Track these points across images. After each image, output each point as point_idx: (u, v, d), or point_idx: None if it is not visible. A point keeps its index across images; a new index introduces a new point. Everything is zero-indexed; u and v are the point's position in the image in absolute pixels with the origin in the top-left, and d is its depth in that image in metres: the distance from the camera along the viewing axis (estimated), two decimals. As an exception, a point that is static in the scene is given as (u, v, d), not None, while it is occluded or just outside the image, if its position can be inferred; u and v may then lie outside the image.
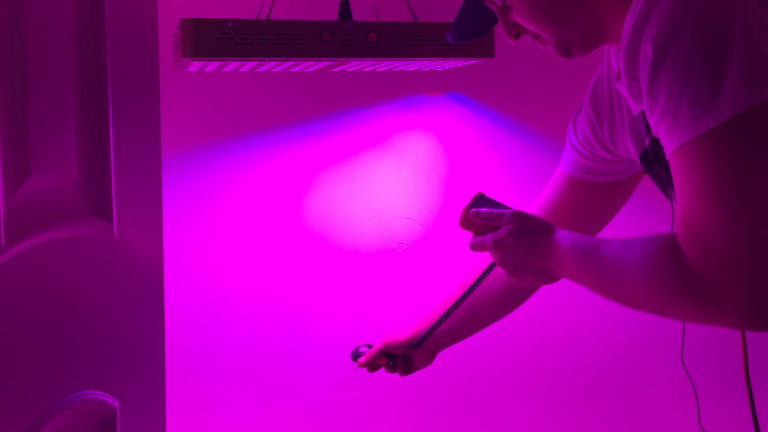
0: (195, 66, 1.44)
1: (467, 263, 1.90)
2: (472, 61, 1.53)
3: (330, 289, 1.83)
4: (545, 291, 1.96)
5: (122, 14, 0.92)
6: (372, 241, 1.85)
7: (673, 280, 0.74)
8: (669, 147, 0.74)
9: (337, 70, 1.62)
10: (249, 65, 1.48)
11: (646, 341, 2.01)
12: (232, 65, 1.45)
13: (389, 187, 1.85)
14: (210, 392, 1.79)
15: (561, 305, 1.97)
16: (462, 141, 1.87)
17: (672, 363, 2.01)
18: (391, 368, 1.33)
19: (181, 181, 1.73)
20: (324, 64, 1.47)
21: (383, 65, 1.55)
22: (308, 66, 1.52)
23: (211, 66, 1.46)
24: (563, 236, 0.91)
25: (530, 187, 1.91)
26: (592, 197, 1.15)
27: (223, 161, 1.75)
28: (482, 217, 1.00)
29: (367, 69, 1.61)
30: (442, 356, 1.93)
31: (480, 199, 1.05)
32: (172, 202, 1.71)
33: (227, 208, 1.76)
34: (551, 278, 0.94)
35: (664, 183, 0.94)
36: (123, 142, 0.94)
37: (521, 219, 0.96)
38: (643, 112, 0.88)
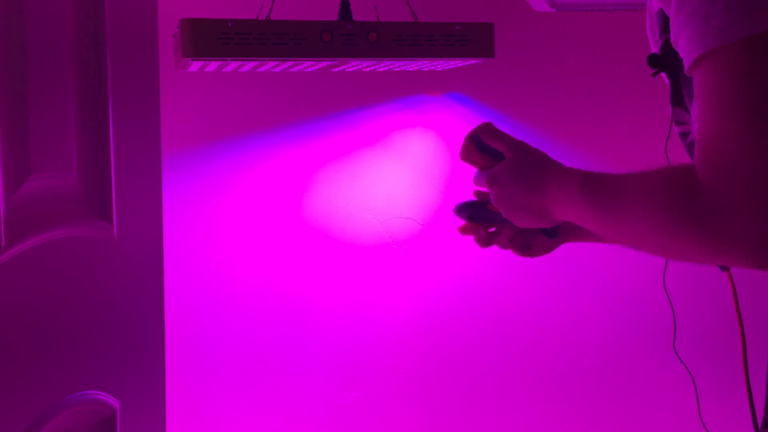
0: (195, 66, 1.44)
1: (467, 263, 1.91)
2: (472, 61, 1.53)
3: (330, 289, 1.83)
4: (544, 291, 1.97)
5: (122, 14, 0.92)
6: (372, 241, 1.85)
7: (683, 209, 0.67)
8: (693, 53, 0.67)
9: (337, 70, 1.62)
10: (249, 65, 1.47)
11: (645, 340, 2.01)
12: (232, 65, 1.45)
13: (389, 187, 1.85)
14: (210, 392, 1.79)
15: (560, 305, 1.97)
16: (462, 141, 1.87)
17: (672, 361, 2.01)
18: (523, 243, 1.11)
19: (181, 181, 1.73)
20: (324, 64, 1.47)
21: (383, 65, 1.54)
22: (308, 66, 1.52)
23: (211, 66, 1.45)
24: (562, 171, 0.85)
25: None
26: None
27: (223, 161, 1.75)
28: (479, 147, 0.95)
29: (367, 69, 1.61)
30: (442, 356, 1.94)
31: (486, 130, 0.96)
32: (172, 202, 1.71)
33: (227, 208, 1.76)
34: (548, 219, 0.87)
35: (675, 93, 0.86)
36: (123, 142, 0.94)
37: (520, 153, 0.90)
38: (661, 11, 0.80)
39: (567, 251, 1.94)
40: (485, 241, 1.10)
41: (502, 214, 0.91)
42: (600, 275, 1.97)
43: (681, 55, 0.70)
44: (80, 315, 0.92)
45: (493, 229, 1.08)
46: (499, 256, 1.91)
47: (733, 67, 0.63)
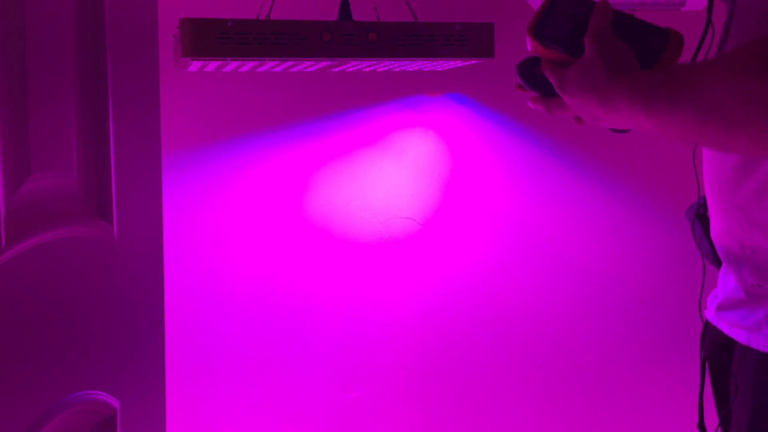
0: (195, 66, 1.44)
1: (468, 263, 1.91)
2: (472, 61, 1.53)
3: (330, 289, 1.83)
4: (544, 291, 1.97)
5: (122, 14, 0.92)
6: (372, 241, 1.85)
7: None
8: None
9: (336, 70, 1.62)
10: (249, 65, 1.47)
11: (646, 339, 2.01)
12: (231, 65, 1.45)
13: (389, 187, 1.85)
14: (210, 392, 1.79)
15: (560, 305, 1.97)
16: (462, 141, 1.87)
17: (672, 361, 2.01)
18: None
19: (181, 180, 1.73)
20: (324, 64, 1.47)
21: (383, 65, 1.54)
22: (308, 66, 1.52)
23: (211, 66, 1.45)
24: (630, 81, 0.77)
25: (530, 187, 1.91)
26: None
27: (223, 161, 1.75)
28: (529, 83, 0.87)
29: (367, 69, 1.61)
30: (442, 356, 1.94)
31: (531, 64, 0.87)
32: (172, 202, 1.71)
33: (227, 208, 1.76)
34: (633, 123, 0.79)
35: None
36: (123, 142, 0.94)
37: (582, 68, 0.81)
38: None
39: (567, 251, 1.94)
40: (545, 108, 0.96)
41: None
42: (599, 275, 1.97)
43: None
44: (80, 315, 0.92)
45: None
46: (499, 256, 1.91)
47: None
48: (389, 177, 1.85)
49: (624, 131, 0.89)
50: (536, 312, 1.95)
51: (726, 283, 0.95)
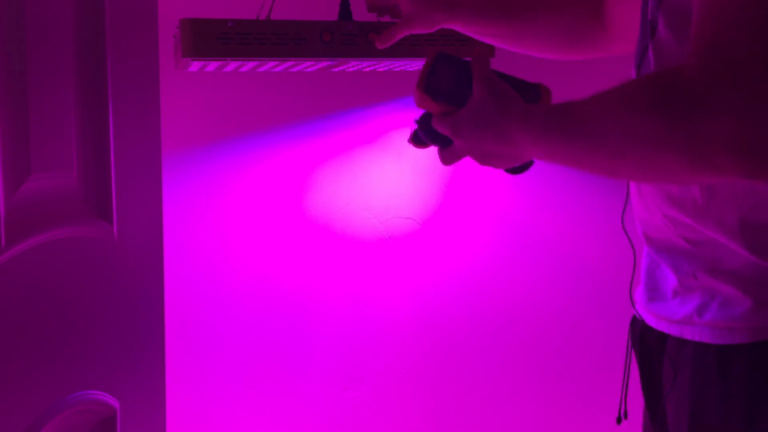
0: (195, 66, 1.44)
1: (468, 263, 1.91)
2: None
3: (330, 289, 1.83)
4: (544, 291, 1.97)
5: (122, 14, 0.92)
6: (372, 241, 1.85)
7: (668, 106, 0.61)
8: None
9: (337, 70, 1.62)
10: (249, 65, 1.48)
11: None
12: (232, 65, 1.45)
13: (389, 186, 1.85)
14: (210, 392, 1.79)
15: (560, 305, 1.97)
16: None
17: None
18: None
19: (181, 180, 1.73)
20: (324, 64, 1.47)
21: (383, 65, 1.55)
22: (308, 66, 1.52)
23: (211, 66, 1.46)
24: (523, 112, 0.81)
25: (531, 187, 1.91)
26: None
27: (223, 161, 1.75)
28: (430, 95, 0.89)
29: (368, 69, 1.61)
30: (442, 356, 1.94)
31: (440, 59, 0.90)
32: (172, 202, 1.71)
33: (227, 208, 1.76)
34: (524, 159, 0.85)
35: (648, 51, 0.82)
36: (123, 142, 0.94)
37: (474, 108, 0.85)
38: None
39: (567, 250, 1.94)
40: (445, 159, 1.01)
41: (477, 162, 0.87)
42: (600, 275, 1.97)
43: None
44: (80, 315, 0.92)
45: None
46: (499, 255, 1.91)
47: None
48: (389, 176, 1.85)
49: (517, 171, 0.94)
50: (536, 312, 1.95)
51: (653, 275, 0.95)
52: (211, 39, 1.29)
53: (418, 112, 2.06)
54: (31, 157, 0.82)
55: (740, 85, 0.56)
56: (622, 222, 1.01)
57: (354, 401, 1.87)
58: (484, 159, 0.87)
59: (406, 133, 1.86)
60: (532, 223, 1.92)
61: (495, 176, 1.90)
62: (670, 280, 0.92)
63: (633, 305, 1.02)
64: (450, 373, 1.92)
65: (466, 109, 0.86)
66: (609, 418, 2.09)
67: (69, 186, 0.90)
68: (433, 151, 1.92)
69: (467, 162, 2.02)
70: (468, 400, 1.94)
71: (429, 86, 0.90)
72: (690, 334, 0.86)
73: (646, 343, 0.99)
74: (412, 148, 1.99)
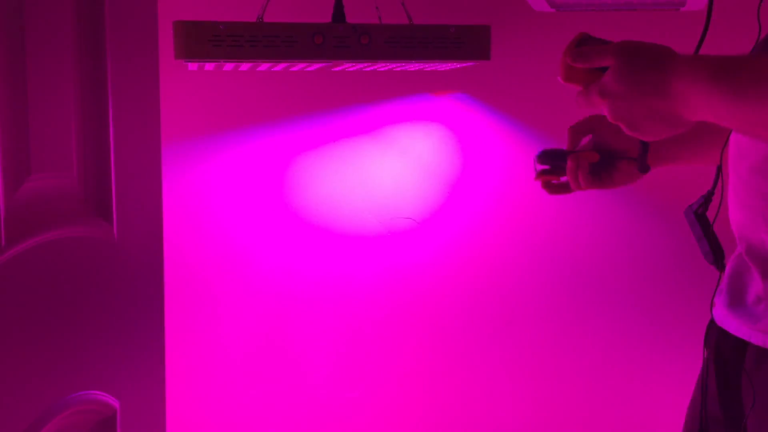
0: (194, 65, 1.44)
1: (469, 263, 1.91)
2: (467, 64, 1.53)
3: (330, 289, 1.83)
4: (543, 292, 1.97)
5: (122, 14, 0.93)
6: (373, 241, 1.86)
7: None
8: None
9: (338, 69, 1.62)
10: (246, 65, 1.48)
11: (644, 339, 2.01)
12: (229, 65, 1.46)
13: (392, 186, 1.85)
14: (210, 392, 1.79)
15: (559, 305, 1.97)
16: (465, 140, 1.87)
17: (672, 358, 2.01)
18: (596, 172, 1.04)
19: (181, 179, 1.73)
20: (316, 66, 1.47)
21: (379, 66, 1.55)
22: (304, 67, 1.52)
23: (209, 65, 1.46)
24: (686, 61, 0.72)
25: (532, 188, 1.91)
26: None
27: (223, 160, 1.76)
28: (582, 58, 0.79)
29: (368, 69, 1.61)
30: (442, 356, 1.94)
31: (585, 40, 0.83)
32: (173, 201, 1.71)
33: (227, 208, 1.77)
34: (679, 122, 0.74)
35: None
36: (123, 142, 0.94)
37: (628, 53, 0.75)
38: None
39: (568, 250, 1.95)
40: (556, 189, 1.07)
41: (624, 130, 0.78)
42: (600, 274, 1.98)
43: None
44: (80, 315, 0.93)
45: (565, 178, 1.07)
46: (500, 255, 1.91)
47: None
48: (392, 176, 1.85)
49: (643, 165, 0.89)
50: (537, 312, 1.96)
51: (739, 278, 0.92)
52: (203, 41, 1.29)
53: (420, 110, 2.05)
54: (31, 157, 0.83)
55: None
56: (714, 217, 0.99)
57: (354, 401, 1.87)
58: (637, 122, 0.76)
59: (409, 131, 1.86)
60: (533, 222, 1.92)
61: (497, 176, 1.90)
62: (755, 285, 0.89)
63: (711, 309, 0.99)
64: (450, 373, 1.93)
65: (613, 68, 0.76)
66: (609, 418, 2.10)
67: (69, 186, 0.90)
68: (436, 150, 1.91)
69: (468, 162, 2.02)
70: (468, 400, 1.94)
71: (576, 51, 0.83)
72: None
73: (722, 352, 0.95)
74: (414, 147, 1.99)
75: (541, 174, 1.08)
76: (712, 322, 0.98)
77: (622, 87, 0.75)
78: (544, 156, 1.09)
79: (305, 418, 1.85)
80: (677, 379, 1.99)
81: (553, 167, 1.09)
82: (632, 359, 2.02)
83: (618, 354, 2.02)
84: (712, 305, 1.00)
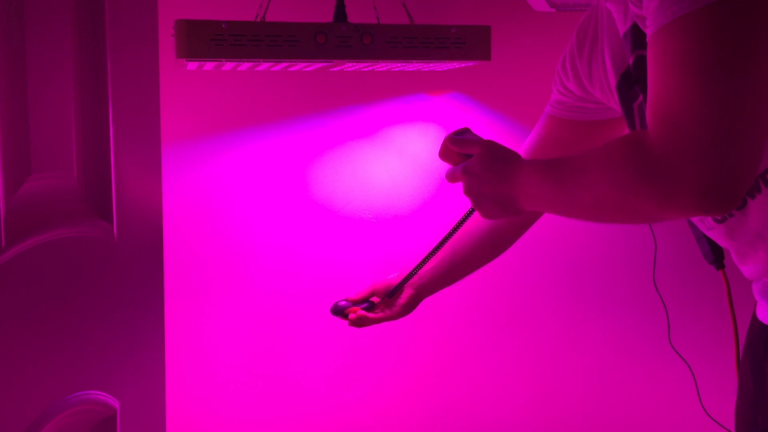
0: (193, 65, 1.44)
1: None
2: (468, 64, 1.54)
3: (330, 289, 1.83)
4: (543, 292, 1.97)
5: (122, 13, 0.93)
6: (373, 241, 1.86)
7: (637, 163, 0.74)
8: (658, 24, 0.74)
9: (337, 69, 1.62)
10: (246, 65, 1.48)
11: (643, 338, 2.02)
12: (229, 64, 1.46)
13: (389, 185, 1.85)
14: (210, 392, 1.79)
15: (561, 305, 1.97)
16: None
17: (669, 356, 2.02)
18: (370, 309, 1.36)
19: (181, 178, 1.73)
20: (318, 65, 1.48)
21: (380, 66, 1.55)
22: (305, 66, 1.52)
23: (209, 65, 1.46)
24: (528, 162, 0.93)
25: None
26: (572, 136, 1.20)
27: (222, 161, 1.76)
28: (456, 144, 1.03)
29: (367, 69, 1.62)
30: (442, 356, 1.94)
31: (464, 132, 1.07)
32: (173, 201, 1.71)
33: (227, 208, 1.77)
34: (515, 209, 0.94)
35: (634, 113, 0.96)
36: (123, 142, 0.94)
37: (492, 147, 0.98)
38: (632, 27, 0.91)
39: (566, 250, 1.95)
40: (363, 322, 1.32)
41: (471, 203, 0.99)
42: (600, 274, 1.98)
43: (648, 29, 0.77)
44: (80, 315, 0.93)
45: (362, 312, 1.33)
46: (499, 257, 1.91)
47: (695, 32, 0.71)
48: (389, 176, 1.85)
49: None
50: (536, 312, 1.96)
51: None
52: (206, 40, 1.30)
53: (417, 110, 2.07)
54: (31, 157, 0.83)
55: (688, 145, 0.70)
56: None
57: (354, 401, 1.87)
58: (480, 199, 0.98)
59: (407, 131, 1.86)
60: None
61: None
62: None
63: (732, 311, 1.09)
64: (449, 373, 1.93)
65: (478, 155, 0.98)
66: (609, 418, 2.10)
67: (69, 186, 0.90)
68: (433, 149, 1.93)
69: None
70: (468, 400, 1.95)
71: (453, 140, 1.06)
72: None
73: (753, 337, 0.99)
74: (411, 146, 2.00)
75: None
76: (755, 320, 0.99)
77: (478, 170, 0.96)
78: (335, 309, 1.37)
79: (305, 418, 1.85)
80: (677, 379, 2.00)
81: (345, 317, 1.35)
82: (632, 359, 2.02)
83: (618, 354, 2.02)
84: (733, 306, 1.09)
